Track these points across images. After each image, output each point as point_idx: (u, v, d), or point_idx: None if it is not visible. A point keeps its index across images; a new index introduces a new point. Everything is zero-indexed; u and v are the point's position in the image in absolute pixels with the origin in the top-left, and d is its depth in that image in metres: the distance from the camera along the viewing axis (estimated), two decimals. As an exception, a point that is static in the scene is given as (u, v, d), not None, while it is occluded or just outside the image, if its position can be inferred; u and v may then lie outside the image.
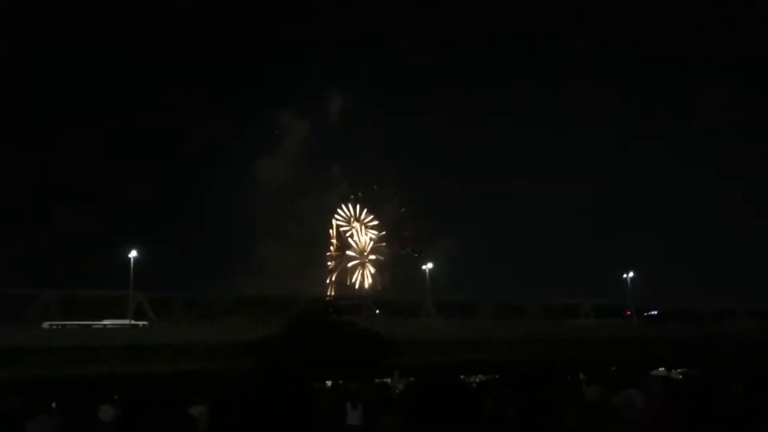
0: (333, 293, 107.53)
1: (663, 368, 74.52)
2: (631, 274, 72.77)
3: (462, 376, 77.97)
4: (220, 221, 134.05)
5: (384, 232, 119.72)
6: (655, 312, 70.48)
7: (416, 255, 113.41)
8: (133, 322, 52.76)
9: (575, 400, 7.88)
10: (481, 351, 52.96)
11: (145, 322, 53.31)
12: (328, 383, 42.46)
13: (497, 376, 61.49)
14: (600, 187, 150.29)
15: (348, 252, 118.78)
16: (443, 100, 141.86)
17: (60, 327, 49.05)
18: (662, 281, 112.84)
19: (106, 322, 52.17)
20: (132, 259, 53.78)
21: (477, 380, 73.94)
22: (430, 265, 70.89)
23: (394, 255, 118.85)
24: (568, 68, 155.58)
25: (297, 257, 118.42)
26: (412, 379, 63.94)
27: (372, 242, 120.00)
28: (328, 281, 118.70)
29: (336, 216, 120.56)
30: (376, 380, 47.01)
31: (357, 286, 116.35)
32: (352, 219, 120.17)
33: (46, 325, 48.81)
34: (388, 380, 42.17)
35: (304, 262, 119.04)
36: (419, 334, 51.99)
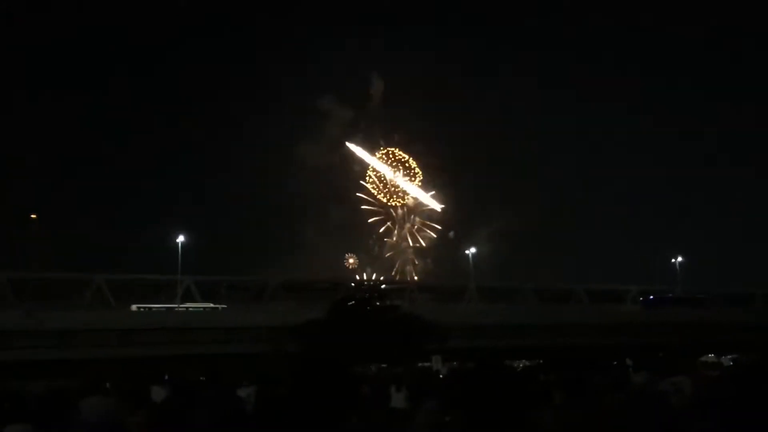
0: (377, 277, 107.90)
1: (712, 354, 73.16)
2: (679, 259, 71.41)
3: (506, 361, 78.00)
4: (263, 206, 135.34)
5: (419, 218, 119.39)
6: (651, 297, 67.14)
7: (451, 236, 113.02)
8: (212, 305, 54.29)
9: (621, 386, 7.78)
10: (524, 336, 52.64)
11: (224, 305, 54.59)
12: (373, 367, 42.77)
13: (540, 361, 61.25)
14: (654, 172, 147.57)
15: (388, 240, 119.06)
16: (483, 83, 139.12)
17: (147, 309, 51.10)
18: (714, 266, 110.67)
19: (188, 305, 54.07)
20: (180, 244, 54.82)
21: (521, 365, 73.56)
22: (473, 250, 70.63)
23: (437, 239, 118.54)
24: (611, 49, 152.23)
25: (341, 241, 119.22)
26: (454, 363, 64.11)
27: (414, 226, 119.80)
28: (371, 266, 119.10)
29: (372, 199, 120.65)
30: (419, 364, 47.18)
31: (398, 272, 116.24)
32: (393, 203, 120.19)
33: (134, 307, 50.89)
34: (429, 364, 42.20)
35: (348, 247, 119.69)
36: (461, 319, 51.85)
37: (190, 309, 52.73)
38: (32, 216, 46.07)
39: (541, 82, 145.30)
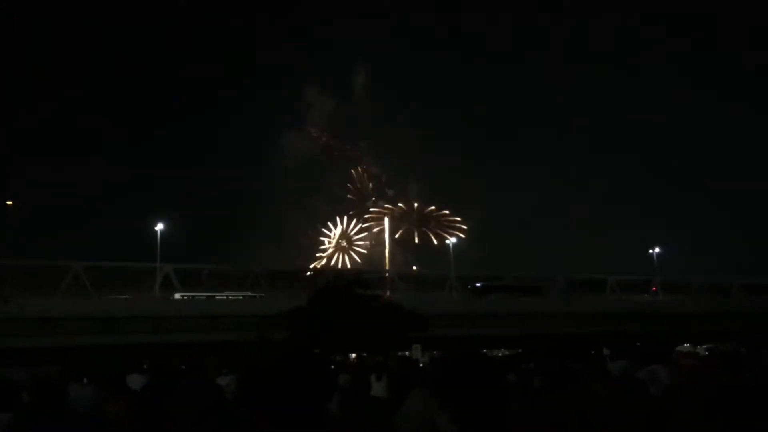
0: (357, 267, 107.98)
1: (688, 344, 74.07)
2: (657, 250, 72.16)
3: (485, 351, 78.50)
4: (246, 195, 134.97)
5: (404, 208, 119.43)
6: (479, 284, 63.30)
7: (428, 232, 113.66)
8: (250, 294, 54.70)
9: (599, 374, 7.85)
10: (505, 325, 52.97)
11: (262, 294, 54.73)
12: (353, 356, 42.82)
13: (520, 350, 61.74)
14: (632, 161, 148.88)
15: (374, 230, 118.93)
16: (470, 73, 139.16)
17: (191, 297, 52.12)
18: (694, 256, 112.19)
19: (227, 293, 54.54)
20: (159, 232, 54.44)
21: (500, 354, 74.17)
22: (453, 240, 70.90)
23: (418, 232, 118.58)
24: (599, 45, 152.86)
25: (322, 231, 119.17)
26: (434, 352, 64.38)
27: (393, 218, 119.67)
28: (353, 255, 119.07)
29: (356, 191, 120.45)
30: (399, 353, 47.27)
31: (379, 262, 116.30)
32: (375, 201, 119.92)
33: (177, 296, 52.00)
34: (408, 353, 42.39)
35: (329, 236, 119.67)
36: (443, 308, 52.12)
37: (230, 297, 53.53)
38: (8, 203, 45.33)
39: (519, 80, 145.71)
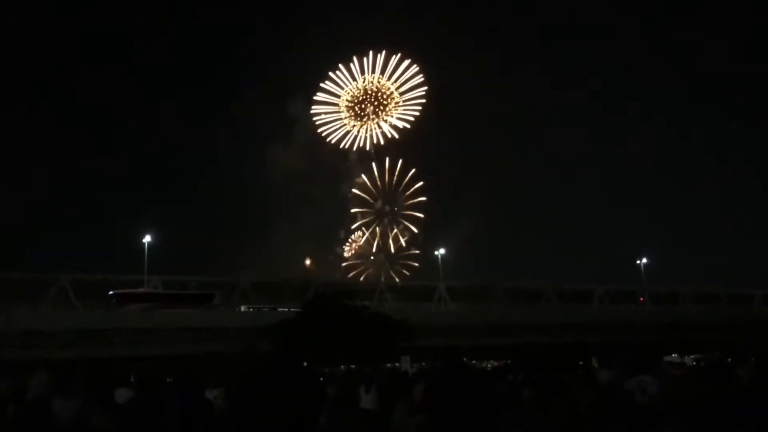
0: (346, 278, 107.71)
1: (676, 354, 74.27)
2: (644, 260, 72.48)
3: (474, 361, 78.33)
4: (235, 208, 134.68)
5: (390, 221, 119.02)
6: (112, 293, 52.34)
7: (417, 252, 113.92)
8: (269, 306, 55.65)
9: (588, 384, 7.87)
10: (494, 335, 52.95)
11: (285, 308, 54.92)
12: (342, 367, 42.67)
13: (508, 361, 61.71)
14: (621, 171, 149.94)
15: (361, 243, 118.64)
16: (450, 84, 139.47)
17: (256, 309, 53.78)
18: (682, 266, 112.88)
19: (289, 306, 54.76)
20: (146, 244, 54.19)
21: (490, 365, 73.96)
22: (442, 251, 70.88)
23: (404, 246, 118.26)
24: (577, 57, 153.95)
25: (311, 243, 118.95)
26: (423, 364, 64.21)
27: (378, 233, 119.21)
28: (341, 266, 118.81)
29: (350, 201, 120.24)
30: (388, 365, 47.12)
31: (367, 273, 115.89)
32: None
33: (243, 308, 54.03)
34: (396, 364, 42.30)
35: (318, 248, 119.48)
36: (431, 319, 52.07)
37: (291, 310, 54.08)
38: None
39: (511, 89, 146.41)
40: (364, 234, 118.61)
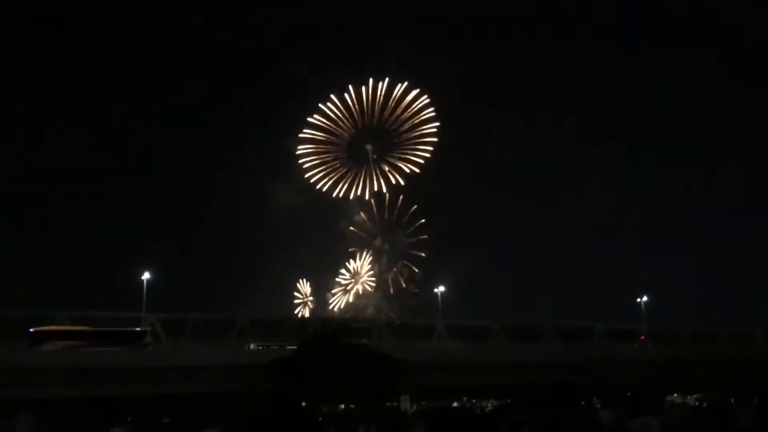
0: (344, 316, 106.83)
1: (677, 394, 73.42)
2: (645, 298, 72.08)
3: (474, 401, 77.40)
4: (233, 245, 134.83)
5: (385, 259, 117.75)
6: (32, 330, 47.16)
7: (417, 291, 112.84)
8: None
9: (591, 425, 7.79)
10: (494, 374, 52.35)
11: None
12: (341, 406, 42.25)
13: (509, 401, 61.01)
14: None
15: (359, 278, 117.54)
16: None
17: (265, 348, 54.03)
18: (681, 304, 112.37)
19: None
20: (145, 282, 53.97)
21: (490, 405, 73.04)
22: (441, 289, 70.49)
23: (403, 285, 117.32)
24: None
25: (309, 280, 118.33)
26: (423, 402, 63.47)
27: (378, 269, 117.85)
28: (339, 305, 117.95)
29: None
30: (387, 404, 46.58)
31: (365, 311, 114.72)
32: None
33: (252, 346, 54.10)
34: (396, 404, 41.85)
35: (316, 286, 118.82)
36: (431, 357, 51.48)
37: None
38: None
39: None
40: (360, 273, 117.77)
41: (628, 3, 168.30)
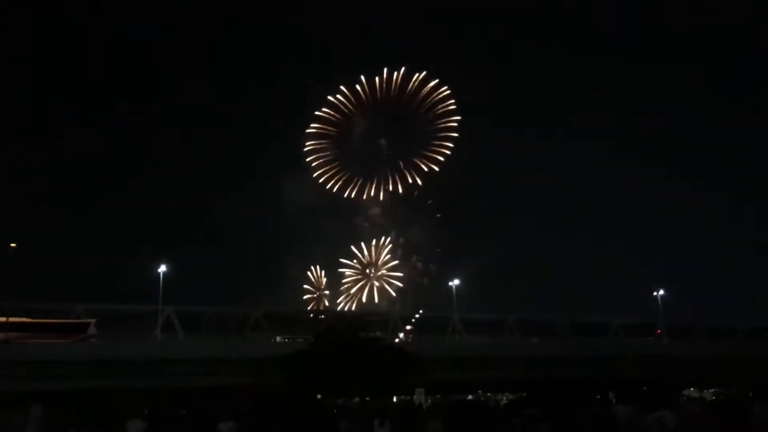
0: (359, 310, 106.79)
1: (694, 388, 72.93)
2: (661, 292, 71.51)
3: (489, 394, 77.25)
4: (249, 239, 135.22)
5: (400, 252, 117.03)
6: None
7: (431, 285, 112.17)
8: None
9: (605, 420, 7.75)
10: (508, 368, 52.18)
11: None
12: (356, 400, 42.29)
13: (524, 395, 60.79)
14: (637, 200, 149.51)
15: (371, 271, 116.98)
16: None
17: (291, 340, 54.19)
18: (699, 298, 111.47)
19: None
20: (161, 274, 54.21)
21: (505, 398, 72.93)
22: (456, 282, 70.25)
23: (417, 275, 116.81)
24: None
25: (324, 275, 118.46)
26: (438, 396, 63.46)
27: (394, 261, 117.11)
28: (354, 299, 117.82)
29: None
30: (401, 397, 46.63)
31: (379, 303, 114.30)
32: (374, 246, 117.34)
33: (278, 338, 54.92)
34: (410, 397, 41.93)
35: (331, 280, 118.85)
36: (446, 351, 51.39)
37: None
38: (11, 245, 45.06)
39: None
40: (376, 264, 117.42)
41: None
